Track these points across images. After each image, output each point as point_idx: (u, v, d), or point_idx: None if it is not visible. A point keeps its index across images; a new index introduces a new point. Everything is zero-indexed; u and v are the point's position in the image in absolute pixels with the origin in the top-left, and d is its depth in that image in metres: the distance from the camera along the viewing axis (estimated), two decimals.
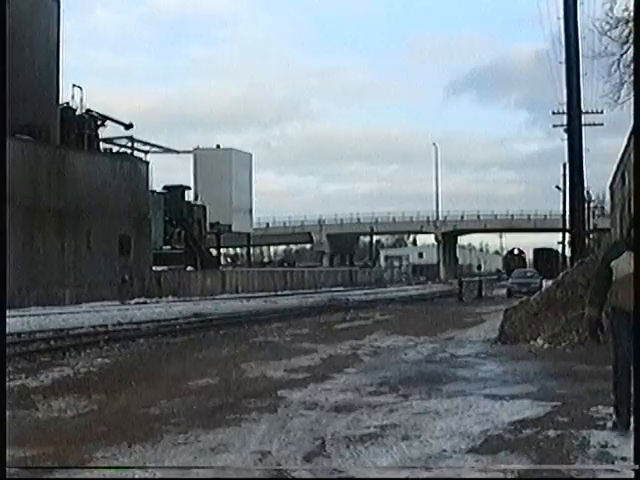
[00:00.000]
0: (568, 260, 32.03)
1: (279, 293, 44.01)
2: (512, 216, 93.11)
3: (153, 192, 40.20)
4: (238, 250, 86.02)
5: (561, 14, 20.97)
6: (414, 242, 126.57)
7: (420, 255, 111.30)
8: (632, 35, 16.77)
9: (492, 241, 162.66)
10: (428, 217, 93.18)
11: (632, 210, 25.81)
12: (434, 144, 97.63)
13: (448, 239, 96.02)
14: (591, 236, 60.18)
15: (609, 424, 6.88)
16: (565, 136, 23.17)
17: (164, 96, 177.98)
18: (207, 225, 48.71)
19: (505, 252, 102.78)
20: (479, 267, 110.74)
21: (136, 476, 5.77)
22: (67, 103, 35.42)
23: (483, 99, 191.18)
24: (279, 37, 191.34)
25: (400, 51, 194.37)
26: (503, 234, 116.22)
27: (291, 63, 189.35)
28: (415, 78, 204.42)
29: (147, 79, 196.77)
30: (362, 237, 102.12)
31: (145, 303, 30.91)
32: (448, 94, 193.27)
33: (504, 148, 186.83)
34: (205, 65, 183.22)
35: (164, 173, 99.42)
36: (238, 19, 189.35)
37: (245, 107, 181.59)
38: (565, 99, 21.78)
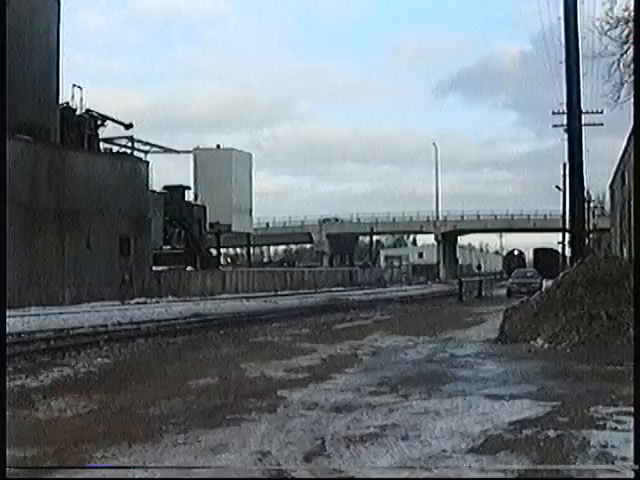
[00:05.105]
0: (568, 260, 32.03)
1: (279, 293, 43.96)
2: (512, 216, 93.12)
3: (153, 192, 40.17)
4: (238, 250, 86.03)
5: (561, 14, 21.01)
6: (414, 242, 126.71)
7: (420, 255, 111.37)
8: (632, 35, 16.79)
9: (492, 241, 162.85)
10: (428, 217, 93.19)
11: (632, 210, 25.80)
12: (434, 144, 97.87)
13: (448, 239, 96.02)
14: (591, 236, 60.22)
15: (609, 424, 6.89)
16: (565, 136, 23.18)
17: (153, 98, 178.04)
18: (207, 225, 48.69)
19: (505, 252, 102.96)
20: (479, 267, 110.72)
21: (136, 476, 5.77)
22: (67, 103, 35.40)
23: (471, 100, 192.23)
24: (266, 38, 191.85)
25: (387, 52, 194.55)
26: (503, 234, 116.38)
27: (279, 64, 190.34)
28: (403, 79, 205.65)
29: (135, 81, 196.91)
30: (362, 237, 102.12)
31: (145, 303, 30.88)
32: (436, 95, 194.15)
33: (496, 148, 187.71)
34: (192, 66, 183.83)
35: (164, 173, 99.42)
36: (223, 20, 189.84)
37: (234, 108, 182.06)
38: (565, 99, 21.80)
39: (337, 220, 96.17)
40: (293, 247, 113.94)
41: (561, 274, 17.32)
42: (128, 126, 40.41)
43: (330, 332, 18.50)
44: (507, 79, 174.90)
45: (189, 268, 43.46)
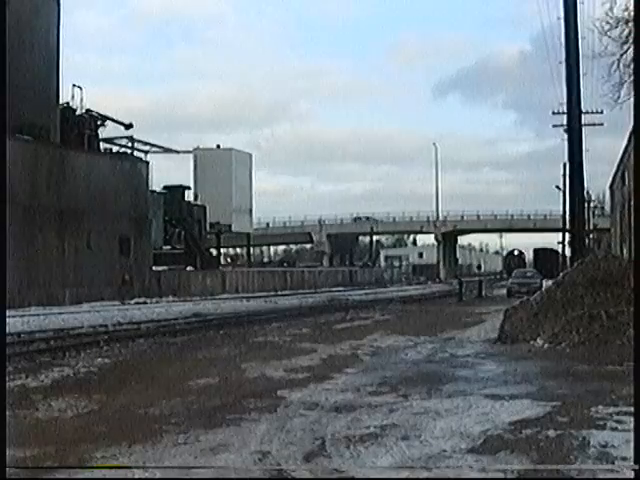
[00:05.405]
0: (568, 260, 32.04)
1: (279, 293, 43.97)
2: (512, 216, 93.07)
3: (153, 192, 40.16)
4: (238, 250, 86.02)
5: (561, 14, 21.04)
6: (414, 242, 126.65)
7: (420, 255, 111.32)
8: (632, 35, 16.77)
9: (492, 241, 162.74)
10: (428, 217, 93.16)
11: (632, 210, 25.83)
12: (434, 144, 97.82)
13: (448, 239, 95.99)
14: (591, 236, 60.20)
15: (609, 424, 6.89)
16: (565, 136, 23.21)
17: (152, 98, 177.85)
18: (207, 225, 48.69)
19: (505, 252, 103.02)
20: (479, 267, 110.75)
21: (136, 476, 5.77)
22: (67, 103, 35.41)
23: (470, 100, 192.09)
24: (266, 38, 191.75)
25: (387, 52, 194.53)
26: (503, 234, 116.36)
27: (278, 64, 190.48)
28: (403, 79, 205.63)
29: (135, 81, 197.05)
30: (362, 237, 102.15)
31: (145, 303, 30.89)
32: (436, 95, 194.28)
33: (495, 148, 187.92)
34: (192, 66, 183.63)
35: (164, 173, 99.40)
36: (223, 20, 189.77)
37: (233, 108, 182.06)
38: (565, 99, 21.83)
39: (369, 218, 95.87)
40: (293, 247, 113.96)
41: (561, 274, 17.33)
42: (128, 126, 40.41)
43: (330, 332, 18.49)
44: (507, 79, 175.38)
45: (189, 268, 43.46)
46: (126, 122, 40.40)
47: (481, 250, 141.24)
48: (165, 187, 45.32)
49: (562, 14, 20.92)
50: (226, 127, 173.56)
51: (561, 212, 53.22)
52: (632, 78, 16.49)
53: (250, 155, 55.62)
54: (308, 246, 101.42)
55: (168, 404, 8.61)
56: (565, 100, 21.83)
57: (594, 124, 33.71)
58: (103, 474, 5.85)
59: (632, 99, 13.81)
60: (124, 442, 6.66)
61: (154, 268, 37.49)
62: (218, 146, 52.80)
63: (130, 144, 42.21)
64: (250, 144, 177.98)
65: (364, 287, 54.96)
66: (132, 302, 31.01)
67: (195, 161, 51.50)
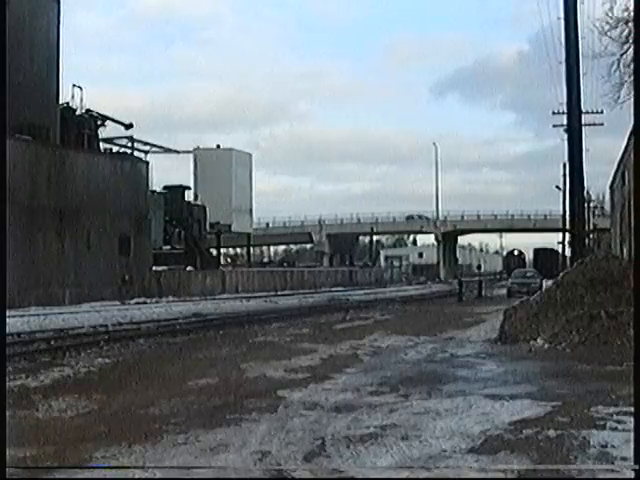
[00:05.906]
0: (568, 260, 32.04)
1: (279, 293, 43.96)
2: (512, 216, 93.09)
3: (153, 192, 40.17)
4: (238, 250, 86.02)
5: (561, 14, 21.07)
6: (414, 242, 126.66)
7: (420, 255, 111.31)
8: (632, 35, 16.77)
9: (492, 241, 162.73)
10: (428, 217, 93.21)
11: (632, 210, 25.85)
12: (434, 144, 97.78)
13: (448, 239, 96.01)
14: (591, 236, 60.19)
15: (609, 424, 6.88)
16: (565, 136, 23.23)
17: (151, 98, 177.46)
18: (207, 225, 48.70)
19: (505, 252, 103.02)
20: (479, 267, 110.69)
21: (136, 476, 5.78)
22: (67, 103, 35.40)
23: (469, 100, 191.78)
24: (264, 39, 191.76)
25: (386, 53, 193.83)
26: (503, 234, 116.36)
27: (277, 65, 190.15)
28: (402, 79, 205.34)
29: (133, 81, 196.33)
30: (362, 237, 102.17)
31: (145, 303, 30.88)
32: (435, 95, 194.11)
33: (494, 148, 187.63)
34: (191, 66, 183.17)
35: (164, 173, 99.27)
36: (222, 21, 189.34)
37: (232, 108, 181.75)
38: (565, 99, 21.86)
39: (421, 217, 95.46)
40: (293, 247, 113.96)
41: (561, 274, 17.33)
42: (128, 126, 40.41)
43: (330, 332, 18.49)
44: (506, 79, 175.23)
45: (189, 268, 43.44)
46: (126, 122, 40.46)
47: (481, 250, 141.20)
48: (165, 187, 45.33)
49: (562, 14, 20.97)
50: (225, 127, 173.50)
51: (561, 212, 53.25)
52: (632, 78, 16.49)
53: (250, 155, 55.65)
54: (308, 246, 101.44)
55: (168, 404, 8.61)
56: (565, 100, 21.88)
57: (594, 124, 33.71)
58: (103, 474, 5.85)
59: (632, 99, 13.81)
60: (124, 442, 6.66)
61: (154, 268, 37.47)
62: (218, 146, 52.80)
63: (130, 144, 42.23)
64: (249, 144, 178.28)
65: (364, 287, 54.95)
66: (132, 302, 31.00)
67: (195, 161, 51.51)
